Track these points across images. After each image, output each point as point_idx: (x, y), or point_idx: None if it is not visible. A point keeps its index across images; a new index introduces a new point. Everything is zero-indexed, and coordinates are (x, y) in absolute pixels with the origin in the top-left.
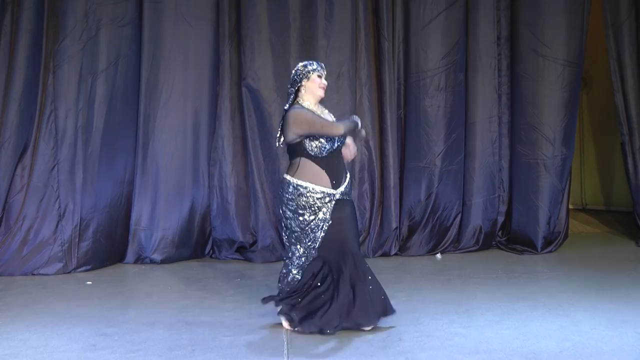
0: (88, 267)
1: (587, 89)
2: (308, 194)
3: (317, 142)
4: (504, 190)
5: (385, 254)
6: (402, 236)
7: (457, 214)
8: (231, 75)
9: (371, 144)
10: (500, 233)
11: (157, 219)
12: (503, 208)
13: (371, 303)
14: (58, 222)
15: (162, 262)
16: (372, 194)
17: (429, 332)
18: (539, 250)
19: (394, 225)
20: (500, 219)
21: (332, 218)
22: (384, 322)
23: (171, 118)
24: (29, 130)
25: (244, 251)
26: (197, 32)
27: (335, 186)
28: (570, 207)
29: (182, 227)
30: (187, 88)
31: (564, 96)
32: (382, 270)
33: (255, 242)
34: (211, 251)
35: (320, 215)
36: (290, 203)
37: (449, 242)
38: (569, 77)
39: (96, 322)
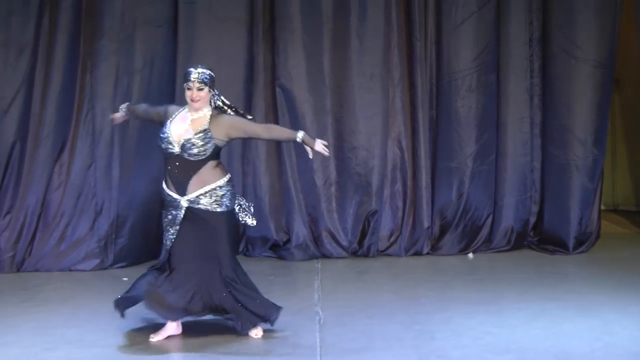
0: (124, 263)
1: (619, 90)
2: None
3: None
4: (536, 191)
5: (417, 253)
6: (434, 235)
7: (489, 214)
8: (265, 75)
9: (403, 144)
10: (532, 233)
11: None
12: (535, 208)
13: None
14: (95, 219)
15: None
16: (404, 194)
17: (461, 330)
18: (571, 250)
19: (425, 224)
20: (532, 219)
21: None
22: None
23: None
24: (67, 128)
25: (277, 249)
26: (231, 32)
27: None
28: (602, 208)
29: None
30: (221, 87)
31: (595, 97)
32: (414, 269)
33: (288, 240)
34: (245, 249)
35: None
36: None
37: (481, 241)
38: (601, 78)
39: (132, 317)
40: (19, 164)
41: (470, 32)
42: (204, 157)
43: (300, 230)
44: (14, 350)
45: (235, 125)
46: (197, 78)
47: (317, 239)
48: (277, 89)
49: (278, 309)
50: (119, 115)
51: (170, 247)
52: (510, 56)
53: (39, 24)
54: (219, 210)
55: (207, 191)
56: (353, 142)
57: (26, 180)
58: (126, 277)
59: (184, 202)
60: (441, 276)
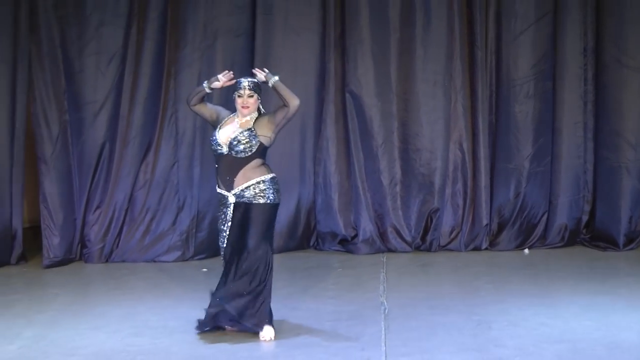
0: (203, 255)
1: None
2: None
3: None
4: (588, 191)
5: (476, 248)
6: (492, 232)
7: (544, 213)
8: (335, 82)
9: (464, 146)
10: (584, 231)
11: None
12: (587, 207)
13: None
14: (177, 214)
15: None
16: (465, 193)
17: (517, 321)
18: (621, 247)
19: (484, 221)
20: (585, 218)
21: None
22: None
23: None
24: (153, 130)
25: (345, 243)
26: (304, 42)
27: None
28: None
29: (290, 221)
30: (295, 93)
31: None
32: (473, 263)
33: (356, 235)
34: (315, 243)
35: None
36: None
37: (536, 238)
38: None
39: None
40: (108, 163)
41: (528, 42)
42: (250, 153)
43: (367, 226)
44: (102, 335)
45: (273, 116)
46: (248, 86)
47: (382, 235)
48: (347, 95)
49: (269, 321)
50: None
51: (225, 246)
52: (565, 65)
53: (127, 34)
54: (261, 202)
55: (250, 185)
56: (417, 144)
57: (115, 178)
58: (205, 268)
59: (231, 197)
60: (498, 270)
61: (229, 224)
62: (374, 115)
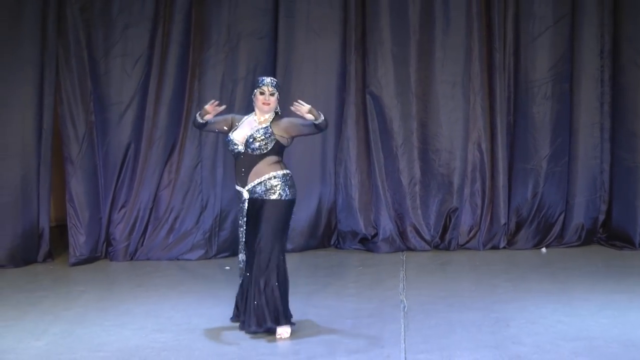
0: (226, 253)
1: None
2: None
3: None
4: (605, 191)
5: (495, 247)
6: (510, 231)
7: (561, 212)
8: (356, 83)
9: (483, 146)
10: (601, 230)
11: None
12: (604, 207)
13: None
14: (200, 213)
15: (292, 250)
16: (483, 192)
17: (534, 319)
18: (637, 246)
19: (502, 221)
20: (601, 217)
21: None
22: None
23: None
24: (177, 131)
25: (366, 242)
26: (326, 43)
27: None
28: None
29: (311, 220)
30: (317, 94)
31: None
32: (491, 261)
33: (376, 234)
34: (336, 242)
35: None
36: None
37: (553, 237)
38: None
39: (233, 303)
40: (133, 163)
41: (546, 44)
42: (265, 151)
43: (387, 225)
44: (127, 332)
45: (293, 122)
46: (270, 83)
47: (402, 233)
48: (367, 96)
49: (286, 319)
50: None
51: (244, 241)
52: (582, 66)
53: (153, 36)
54: (272, 197)
55: (262, 180)
56: (436, 144)
57: (140, 177)
58: (228, 266)
59: (245, 193)
60: (516, 269)
61: (245, 219)
62: (393, 115)
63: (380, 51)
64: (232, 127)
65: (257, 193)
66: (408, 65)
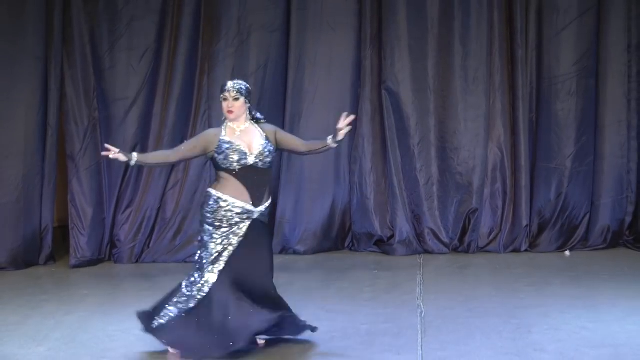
0: None
1: None
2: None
3: (222, 155)
4: (632, 192)
5: (516, 250)
6: (532, 233)
7: (586, 214)
8: (372, 79)
9: (503, 145)
10: (627, 232)
11: (301, 213)
12: (631, 209)
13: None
14: None
15: (305, 253)
16: (504, 193)
17: (558, 325)
18: None
19: (524, 222)
20: (628, 219)
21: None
22: None
23: (315, 118)
24: (185, 128)
25: (381, 244)
26: (340, 37)
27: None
28: None
29: (324, 221)
30: (331, 90)
31: None
32: (513, 265)
33: (392, 236)
34: (351, 244)
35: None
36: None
37: (578, 240)
38: None
39: None
40: None
41: (570, 38)
42: (270, 164)
43: (404, 227)
44: (131, 338)
45: (281, 133)
46: (233, 88)
47: (419, 236)
48: (384, 92)
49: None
50: (120, 155)
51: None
52: (609, 62)
53: (160, 29)
54: (266, 221)
55: (270, 200)
56: (455, 142)
57: (147, 177)
58: None
59: (256, 213)
60: (539, 272)
61: (240, 239)
62: (411, 112)
63: (397, 45)
64: (212, 143)
65: (264, 215)
66: (426, 60)
